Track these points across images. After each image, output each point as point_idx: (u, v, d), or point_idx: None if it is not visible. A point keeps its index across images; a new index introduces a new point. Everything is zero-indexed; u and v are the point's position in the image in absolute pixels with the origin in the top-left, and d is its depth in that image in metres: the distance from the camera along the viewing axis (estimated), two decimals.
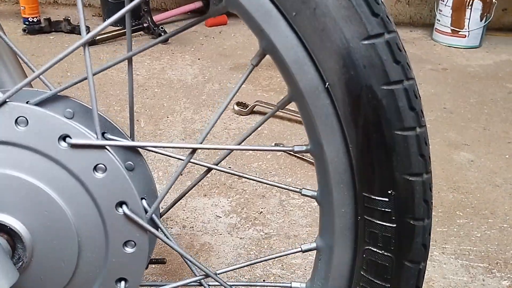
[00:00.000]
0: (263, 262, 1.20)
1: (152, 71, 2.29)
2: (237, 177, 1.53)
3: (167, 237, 0.56)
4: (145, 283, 0.61)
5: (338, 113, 0.51)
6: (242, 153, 1.66)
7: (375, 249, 0.53)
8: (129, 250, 0.54)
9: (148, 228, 0.53)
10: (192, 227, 1.30)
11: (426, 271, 1.15)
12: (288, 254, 0.61)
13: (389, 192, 0.51)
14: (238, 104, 1.92)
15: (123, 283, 0.55)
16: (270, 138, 1.77)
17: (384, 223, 0.52)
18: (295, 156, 1.65)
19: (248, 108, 1.90)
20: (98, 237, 0.53)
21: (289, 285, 0.62)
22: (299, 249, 0.59)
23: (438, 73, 2.40)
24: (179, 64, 2.38)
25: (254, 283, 0.73)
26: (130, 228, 0.54)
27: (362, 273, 0.55)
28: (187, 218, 1.34)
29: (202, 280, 0.60)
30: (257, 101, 1.91)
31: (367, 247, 0.54)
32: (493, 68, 2.50)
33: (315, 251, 0.60)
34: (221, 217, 1.36)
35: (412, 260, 0.53)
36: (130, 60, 0.55)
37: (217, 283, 0.61)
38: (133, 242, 0.54)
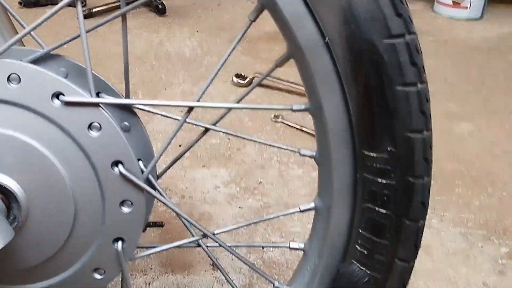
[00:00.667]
0: (263, 231, 1.20)
1: (150, 44, 2.26)
2: (236, 147, 1.53)
3: (164, 197, 0.55)
4: (143, 244, 0.61)
5: (338, 69, 0.49)
6: (242, 125, 1.65)
7: (374, 207, 0.53)
8: (126, 210, 0.54)
9: (144, 187, 0.53)
10: (191, 197, 1.30)
11: (424, 238, 1.15)
12: (287, 214, 0.60)
13: (389, 149, 0.50)
14: (237, 76, 1.90)
15: (120, 243, 0.55)
16: (270, 110, 1.75)
17: (383, 181, 0.51)
18: (295, 127, 1.64)
19: (247, 80, 1.88)
20: (94, 196, 0.53)
21: (287, 245, 0.62)
22: (297, 209, 0.59)
23: (439, 45, 2.37)
24: (177, 37, 2.35)
25: (253, 244, 0.73)
26: (126, 188, 0.53)
27: (360, 231, 0.54)
28: (186, 188, 1.34)
29: (200, 241, 0.60)
30: (256, 73, 1.89)
31: (365, 205, 0.53)
32: (495, 40, 2.47)
33: (313, 212, 0.59)
34: (220, 187, 1.36)
35: (411, 218, 0.53)
36: (124, 16, 0.53)
37: (215, 244, 0.61)
38: (129, 202, 0.54)
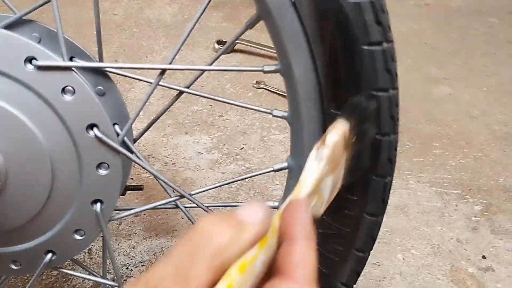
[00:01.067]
0: (245, 194, 1.23)
1: (129, 10, 2.23)
2: (218, 114, 1.54)
3: (140, 159, 0.56)
4: (121, 206, 0.63)
5: (306, 29, 0.51)
6: (223, 91, 1.65)
7: None
8: (102, 172, 0.55)
9: (119, 149, 0.54)
10: (174, 164, 1.32)
11: (401, 198, 1.19)
12: (261, 173, 0.62)
13: None
14: (219, 42, 1.89)
15: (98, 204, 0.57)
16: (251, 76, 1.76)
17: None
18: (276, 93, 1.65)
19: None
20: (71, 159, 0.54)
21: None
22: (272, 168, 0.61)
23: (421, 8, 2.37)
24: (158, 3, 2.32)
25: (229, 204, 0.75)
26: (102, 151, 0.54)
27: None
28: (168, 155, 1.35)
29: (177, 201, 0.62)
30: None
31: None
32: (476, 2, 2.48)
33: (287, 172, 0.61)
34: (202, 153, 1.37)
35: (378, 174, 0.55)
36: None
37: (192, 205, 0.63)
38: (106, 165, 0.55)
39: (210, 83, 1.69)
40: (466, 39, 2.08)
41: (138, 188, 0.73)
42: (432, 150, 1.41)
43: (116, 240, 1.07)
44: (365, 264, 0.61)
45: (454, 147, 1.43)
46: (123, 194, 0.70)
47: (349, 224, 0.57)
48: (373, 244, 0.60)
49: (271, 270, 0.33)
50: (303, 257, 0.32)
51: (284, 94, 1.62)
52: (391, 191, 0.58)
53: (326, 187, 0.40)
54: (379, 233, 1.07)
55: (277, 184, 1.26)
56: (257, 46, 1.84)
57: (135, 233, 1.09)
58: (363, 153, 0.51)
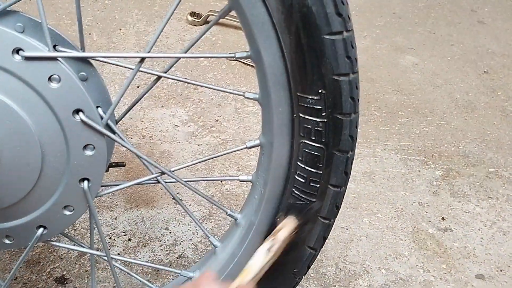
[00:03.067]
0: (221, 166, 1.28)
1: None
2: (193, 87, 1.57)
3: (123, 140, 0.61)
4: (106, 183, 0.67)
5: (273, 20, 0.55)
6: (197, 64, 1.69)
7: (308, 142, 0.61)
8: (89, 153, 0.60)
9: (104, 131, 0.58)
10: (152, 137, 1.36)
11: (368, 165, 1.26)
12: (235, 151, 0.68)
13: (320, 91, 0.57)
14: (192, 14, 1.91)
15: (86, 182, 0.61)
16: (225, 48, 1.79)
17: (316, 119, 0.59)
18: (249, 65, 1.69)
19: (201, 18, 1.90)
20: (58, 142, 0.58)
21: (237, 178, 0.70)
22: (245, 146, 0.66)
23: None
24: None
25: (206, 178, 0.80)
26: (88, 133, 0.58)
27: (298, 163, 0.62)
28: (145, 128, 1.39)
29: (159, 178, 0.67)
30: (210, 10, 1.90)
31: (301, 141, 0.61)
32: None
33: (259, 148, 0.67)
34: (179, 126, 1.42)
35: (341, 150, 0.61)
36: None
37: (173, 180, 0.68)
38: (92, 146, 0.60)
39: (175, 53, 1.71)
40: (432, 8, 2.14)
41: (121, 164, 0.78)
42: (398, 119, 1.48)
43: (98, 211, 1.12)
44: (330, 230, 0.68)
45: (418, 115, 1.50)
46: (107, 171, 0.75)
47: (316, 196, 0.63)
48: (338, 212, 0.66)
49: None
50: None
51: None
52: (359, 159, 0.64)
53: (264, 269, 0.49)
54: (348, 199, 1.15)
55: (251, 155, 1.32)
56: (230, 18, 1.87)
57: (117, 205, 1.14)
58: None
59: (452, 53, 1.84)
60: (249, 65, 1.69)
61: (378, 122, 1.45)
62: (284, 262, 0.68)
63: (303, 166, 0.62)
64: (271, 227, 0.68)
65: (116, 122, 0.67)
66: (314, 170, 0.62)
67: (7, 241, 0.64)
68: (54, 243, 0.68)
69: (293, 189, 0.64)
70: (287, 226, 0.54)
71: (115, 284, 0.96)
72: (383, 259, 1.06)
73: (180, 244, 1.06)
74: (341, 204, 0.66)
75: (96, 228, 0.68)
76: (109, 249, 1.04)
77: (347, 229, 1.13)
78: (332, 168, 0.62)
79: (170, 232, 1.09)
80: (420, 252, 1.08)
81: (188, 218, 1.13)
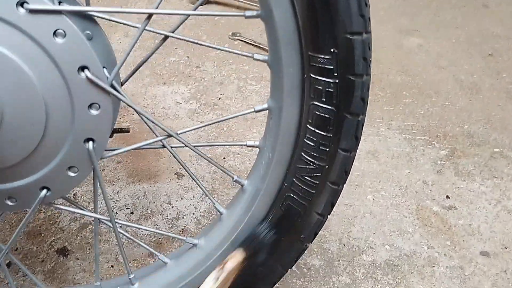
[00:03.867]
0: (223, 140, 1.27)
1: None
2: (195, 65, 1.56)
3: (129, 100, 0.60)
4: (111, 148, 0.66)
5: None
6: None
7: (319, 104, 0.59)
8: (94, 112, 0.58)
9: (110, 90, 0.57)
10: (154, 113, 1.35)
11: (372, 144, 1.25)
12: (243, 114, 0.66)
13: (332, 50, 0.56)
14: None
15: (91, 143, 0.60)
16: (227, 27, 1.77)
17: (327, 79, 0.58)
18: (252, 44, 1.67)
19: None
20: (63, 100, 0.57)
21: (244, 143, 0.68)
22: (253, 109, 0.65)
23: None
24: None
25: (213, 143, 0.79)
26: (93, 91, 0.57)
27: (308, 126, 0.61)
28: (147, 105, 1.38)
29: (164, 141, 0.65)
30: None
31: (312, 103, 0.60)
32: None
33: (267, 112, 0.65)
34: (181, 103, 1.40)
35: (351, 113, 0.59)
36: None
37: (179, 144, 0.67)
38: (97, 105, 0.58)
39: (186, 35, 1.70)
40: None
41: (125, 130, 0.77)
42: (402, 99, 1.47)
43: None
44: (339, 196, 0.66)
45: (422, 96, 1.49)
46: (111, 136, 0.73)
47: (325, 159, 0.62)
48: (346, 178, 0.65)
49: None
50: None
51: (259, 45, 1.65)
52: (363, 137, 0.63)
53: None
54: (351, 176, 1.14)
55: (254, 133, 1.31)
56: None
57: (119, 179, 1.13)
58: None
59: (457, 35, 1.82)
60: (252, 44, 1.67)
61: (382, 102, 1.44)
62: (291, 229, 0.68)
63: (312, 129, 0.61)
64: (277, 194, 0.67)
65: (121, 84, 0.65)
66: (324, 133, 0.61)
67: (9, 203, 0.63)
68: (58, 206, 0.67)
69: (302, 153, 0.63)
70: (234, 257, 0.56)
71: (117, 256, 0.96)
72: (387, 236, 1.05)
73: (183, 218, 1.05)
74: (350, 170, 0.65)
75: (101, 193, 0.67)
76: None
77: (351, 206, 1.12)
78: (342, 132, 0.61)
79: (173, 207, 1.08)
80: (424, 229, 1.07)
81: (190, 193, 1.12)
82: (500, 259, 1.02)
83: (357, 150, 0.64)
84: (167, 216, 1.05)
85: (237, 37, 1.69)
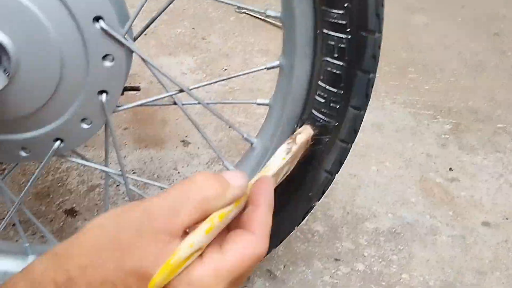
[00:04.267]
0: (230, 112, 1.28)
1: None
2: (201, 37, 1.56)
3: (142, 52, 0.60)
4: (122, 103, 0.67)
5: None
6: (205, 15, 1.66)
7: (331, 60, 0.60)
8: (108, 64, 0.59)
9: (124, 41, 0.57)
10: (151, 81, 1.35)
11: (376, 117, 1.26)
12: (255, 71, 0.67)
13: (345, 5, 0.56)
14: None
15: (104, 95, 0.61)
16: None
17: (340, 35, 0.58)
18: (258, 18, 1.67)
19: None
20: (78, 50, 0.57)
21: (255, 101, 0.69)
22: (264, 67, 0.65)
23: None
24: None
25: (225, 101, 0.80)
26: (107, 42, 0.57)
27: (319, 83, 0.62)
28: (150, 75, 1.38)
29: (174, 96, 0.66)
30: None
31: (324, 59, 0.60)
32: None
33: (278, 69, 0.66)
34: (186, 73, 1.41)
35: (363, 69, 0.60)
36: None
37: (191, 101, 0.68)
38: (111, 57, 0.59)
39: (192, 7, 1.70)
40: None
41: (136, 88, 0.77)
42: (408, 75, 1.47)
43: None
44: (347, 155, 0.67)
45: (428, 72, 1.49)
46: (121, 94, 0.74)
47: (335, 117, 0.63)
48: (355, 136, 0.66)
49: (233, 223, 0.41)
50: (263, 219, 0.40)
51: (265, 20, 1.65)
52: (368, 110, 0.64)
53: (282, 173, 0.50)
54: (356, 147, 1.15)
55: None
56: None
57: (126, 144, 1.14)
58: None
59: (463, 15, 1.81)
60: (257, 18, 1.67)
61: (388, 77, 1.44)
62: (299, 186, 0.69)
63: (324, 86, 0.62)
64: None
65: (135, 39, 0.66)
66: (335, 90, 0.62)
67: (23, 153, 0.64)
68: (71, 159, 0.68)
69: (313, 110, 0.64)
70: (304, 132, 0.55)
71: None
72: (391, 205, 1.07)
73: None
74: (359, 129, 0.66)
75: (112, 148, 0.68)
76: (118, 185, 1.04)
77: (355, 175, 1.13)
78: (353, 89, 0.61)
79: (179, 172, 1.09)
80: (427, 199, 1.08)
81: (196, 160, 1.13)
82: (501, 229, 1.03)
83: (361, 123, 0.65)
84: (174, 182, 1.06)
85: (243, 11, 1.69)
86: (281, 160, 0.49)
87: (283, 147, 0.51)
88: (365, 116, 0.64)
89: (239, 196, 0.40)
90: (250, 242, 0.38)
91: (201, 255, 0.37)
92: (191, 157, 1.13)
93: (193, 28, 1.58)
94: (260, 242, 0.39)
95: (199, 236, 0.37)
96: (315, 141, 0.58)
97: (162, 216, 0.36)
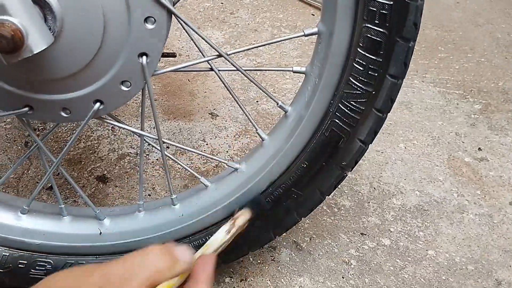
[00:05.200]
0: (256, 89, 1.28)
1: None
2: (229, 12, 1.55)
3: (182, 16, 0.61)
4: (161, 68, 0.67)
5: None
6: None
7: (371, 26, 0.59)
8: (149, 26, 0.59)
9: (166, 3, 0.58)
10: (188, 56, 1.36)
11: (405, 95, 1.25)
12: (292, 38, 0.67)
13: None
14: None
15: (144, 57, 0.61)
16: None
17: (382, 0, 0.58)
18: (303, 1, 1.66)
19: None
20: (121, 12, 0.58)
21: (291, 69, 0.69)
22: (302, 33, 0.65)
23: None
24: None
25: (261, 69, 0.80)
26: (149, 4, 0.58)
27: (358, 49, 0.61)
28: (182, 47, 1.38)
29: (211, 62, 0.67)
30: None
31: (364, 25, 0.60)
32: None
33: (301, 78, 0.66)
34: None
35: (403, 37, 0.60)
36: None
37: (228, 67, 0.68)
38: (153, 19, 0.59)
39: None
40: None
41: (172, 55, 0.78)
42: (438, 54, 1.45)
43: (137, 120, 1.13)
44: (382, 125, 0.67)
45: (458, 52, 1.47)
46: (158, 60, 0.75)
47: (373, 85, 0.63)
48: (391, 106, 0.65)
49: None
50: None
51: (310, 3, 1.63)
52: None
53: (221, 248, 0.57)
54: (383, 125, 1.15)
55: (287, 79, 1.31)
56: None
57: None
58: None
59: None
60: (302, 1, 1.65)
61: (417, 56, 1.43)
62: (332, 155, 0.69)
63: (363, 53, 0.61)
64: (321, 120, 0.68)
65: (173, 4, 0.66)
66: (374, 57, 0.61)
67: (63, 114, 0.65)
68: (109, 121, 0.69)
69: (350, 78, 0.64)
70: (243, 215, 0.63)
71: (154, 185, 0.99)
72: (418, 182, 1.06)
73: (217, 155, 1.07)
74: (395, 98, 0.65)
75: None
76: (148, 155, 1.05)
77: (382, 152, 1.13)
78: (392, 57, 0.61)
79: (207, 144, 1.10)
80: (455, 178, 1.08)
81: (224, 132, 1.14)
82: None
83: (398, 93, 0.64)
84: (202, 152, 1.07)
85: None
86: (220, 240, 0.57)
87: (224, 229, 0.59)
88: (409, 62, 0.64)
89: (186, 270, 0.44)
90: None
91: None
92: (219, 129, 1.14)
93: (222, 3, 1.58)
94: None
95: None
96: (250, 223, 0.65)
97: (117, 282, 0.40)
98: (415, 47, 0.61)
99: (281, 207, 0.74)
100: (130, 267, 0.41)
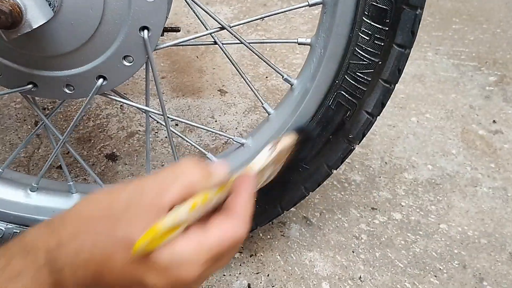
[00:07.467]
0: (266, 65, 1.26)
1: None
2: None
3: None
4: (164, 43, 0.66)
5: None
6: None
7: None
8: None
9: None
10: (196, 32, 1.34)
11: (418, 68, 1.22)
12: (296, 8, 0.65)
13: None
14: None
15: (146, 31, 0.60)
16: None
17: None
18: None
19: None
20: None
21: (295, 41, 0.68)
22: (306, 3, 0.64)
23: None
24: None
25: (266, 40, 0.79)
26: None
27: (363, 18, 0.60)
28: (190, 24, 1.37)
29: (214, 35, 0.65)
30: None
31: None
32: None
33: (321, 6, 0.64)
34: None
35: (410, 4, 0.58)
36: None
37: (232, 41, 0.67)
38: None
39: None
40: None
41: (175, 29, 0.77)
42: (452, 25, 1.42)
43: (144, 98, 1.12)
44: (389, 97, 0.66)
45: (473, 23, 1.43)
46: (161, 35, 0.74)
47: (379, 55, 0.61)
48: (399, 77, 0.64)
49: (216, 210, 0.43)
50: (244, 204, 0.43)
51: None
52: (409, 61, 0.62)
53: (266, 174, 0.53)
54: (396, 99, 1.13)
55: (297, 53, 1.29)
56: None
57: (163, 93, 1.15)
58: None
59: None
60: None
61: (431, 28, 1.39)
62: (339, 128, 0.68)
63: (368, 21, 0.60)
64: (327, 92, 0.67)
65: None
66: (380, 26, 0.60)
67: (67, 91, 0.65)
68: (113, 97, 0.69)
69: (356, 48, 0.62)
70: (286, 139, 0.57)
71: (163, 163, 0.99)
72: (430, 156, 1.05)
73: (226, 132, 1.07)
74: (403, 68, 0.64)
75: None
76: (156, 132, 1.05)
77: (394, 126, 1.11)
78: (399, 25, 0.59)
79: (216, 121, 1.09)
80: (469, 151, 1.06)
81: (233, 109, 1.13)
82: None
83: (402, 74, 0.63)
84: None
85: None
86: (264, 159, 0.52)
87: (267, 148, 0.54)
88: (405, 68, 0.62)
89: (221, 182, 0.43)
90: (231, 224, 0.41)
91: (185, 232, 0.39)
92: (228, 106, 1.13)
93: None
94: (240, 225, 0.41)
95: (183, 212, 0.39)
96: (299, 146, 0.60)
97: (152, 192, 0.40)
98: (429, 18, 0.59)
99: (289, 180, 0.73)
100: (162, 181, 0.41)
